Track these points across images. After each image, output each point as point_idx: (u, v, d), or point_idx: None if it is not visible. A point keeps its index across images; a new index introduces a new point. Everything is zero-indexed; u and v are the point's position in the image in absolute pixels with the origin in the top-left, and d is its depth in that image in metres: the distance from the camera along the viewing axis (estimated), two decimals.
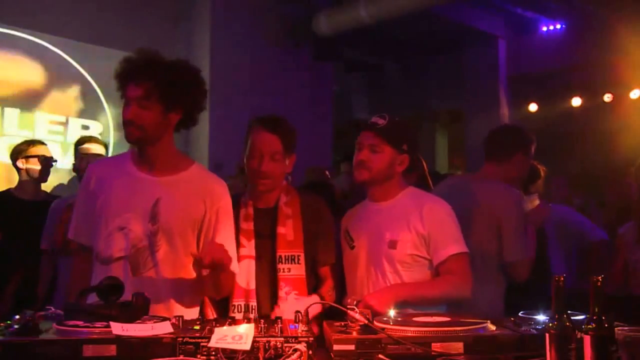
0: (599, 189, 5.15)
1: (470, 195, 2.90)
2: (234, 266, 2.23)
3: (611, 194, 4.68)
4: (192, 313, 2.20)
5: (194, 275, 2.23)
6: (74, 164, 3.79)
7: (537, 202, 2.96)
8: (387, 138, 2.37)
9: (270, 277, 2.36)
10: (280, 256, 2.35)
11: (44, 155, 3.82)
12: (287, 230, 2.37)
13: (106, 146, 4.02)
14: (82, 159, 3.59)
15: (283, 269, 2.34)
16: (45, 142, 4.09)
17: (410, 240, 2.33)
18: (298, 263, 2.35)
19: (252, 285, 2.35)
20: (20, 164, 3.79)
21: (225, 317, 2.04)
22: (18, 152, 3.82)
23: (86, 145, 3.69)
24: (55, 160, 3.95)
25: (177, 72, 2.15)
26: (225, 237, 2.22)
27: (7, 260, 3.61)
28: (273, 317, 2.11)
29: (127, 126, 2.13)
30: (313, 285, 2.43)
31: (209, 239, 2.19)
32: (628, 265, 3.69)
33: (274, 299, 2.34)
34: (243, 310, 2.32)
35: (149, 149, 2.19)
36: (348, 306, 1.90)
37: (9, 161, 3.92)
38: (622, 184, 4.46)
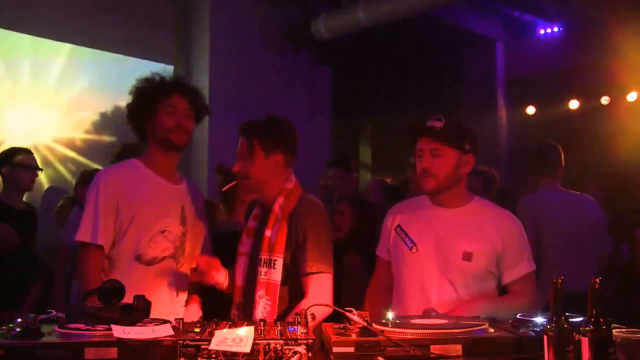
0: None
1: None
2: (219, 276, 2.47)
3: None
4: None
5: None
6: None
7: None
8: (447, 140, 2.29)
9: (255, 278, 2.39)
10: (261, 258, 2.37)
11: (29, 164, 3.79)
12: (272, 233, 2.38)
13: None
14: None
15: (261, 271, 2.35)
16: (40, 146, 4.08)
17: (486, 254, 2.27)
18: (274, 268, 2.32)
19: (241, 283, 2.45)
20: (5, 171, 3.77)
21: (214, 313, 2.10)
22: (3, 160, 3.79)
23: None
24: (41, 169, 3.93)
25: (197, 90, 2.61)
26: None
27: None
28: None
29: (177, 131, 2.49)
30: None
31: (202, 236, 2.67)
32: None
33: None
34: (236, 307, 2.44)
35: (174, 156, 2.57)
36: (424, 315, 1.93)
37: None
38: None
